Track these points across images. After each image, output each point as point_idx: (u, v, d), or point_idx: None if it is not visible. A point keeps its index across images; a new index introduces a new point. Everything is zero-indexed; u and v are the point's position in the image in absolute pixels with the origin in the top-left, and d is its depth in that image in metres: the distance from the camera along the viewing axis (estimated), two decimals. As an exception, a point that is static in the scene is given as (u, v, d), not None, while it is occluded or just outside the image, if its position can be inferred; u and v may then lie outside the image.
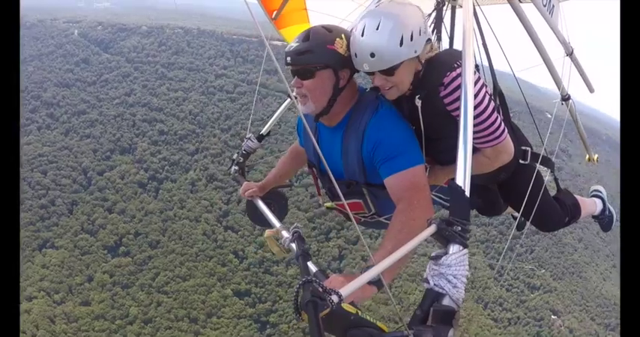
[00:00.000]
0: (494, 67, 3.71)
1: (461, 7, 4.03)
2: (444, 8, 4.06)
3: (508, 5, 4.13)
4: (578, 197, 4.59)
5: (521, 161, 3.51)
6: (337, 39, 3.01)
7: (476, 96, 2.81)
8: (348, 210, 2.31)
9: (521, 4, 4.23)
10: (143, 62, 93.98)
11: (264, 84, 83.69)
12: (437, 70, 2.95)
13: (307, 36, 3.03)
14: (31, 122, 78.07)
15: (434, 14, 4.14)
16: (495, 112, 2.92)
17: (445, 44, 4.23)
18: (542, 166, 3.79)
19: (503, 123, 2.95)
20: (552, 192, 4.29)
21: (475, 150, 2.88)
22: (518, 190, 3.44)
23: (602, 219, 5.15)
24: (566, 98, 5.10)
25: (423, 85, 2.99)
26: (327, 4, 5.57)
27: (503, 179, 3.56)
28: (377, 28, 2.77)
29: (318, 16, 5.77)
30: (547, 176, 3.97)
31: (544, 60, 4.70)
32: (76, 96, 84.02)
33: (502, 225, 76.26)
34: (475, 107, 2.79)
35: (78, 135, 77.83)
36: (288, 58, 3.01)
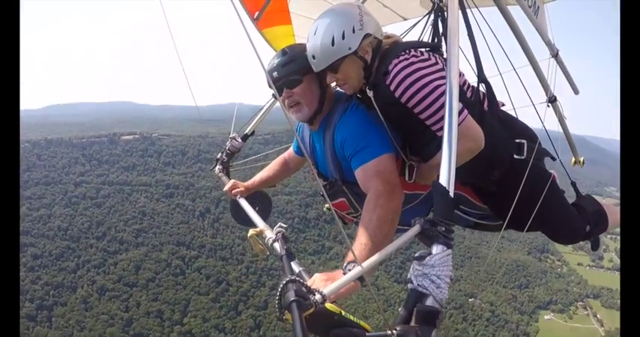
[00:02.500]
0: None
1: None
2: (440, 11, 4.05)
3: (492, 7, 4.15)
4: (606, 204, 4.14)
5: (515, 156, 3.34)
6: None
7: (419, 79, 2.91)
8: (331, 207, 2.30)
9: (507, 6, 4.24)
10: None
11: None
12: (385, 60, 3.09)
13: (284, 51, 3.40)
14: None
15: (431, 17, 4.14)
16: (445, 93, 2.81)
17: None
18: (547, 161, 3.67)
19: (462, 107, 2.87)
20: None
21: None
22: (521, 192, 3.17)
23: None
24: (552, 100, 5.11)
25: (373, 76, 3.15)
26: (308, 6, 5.57)
27: (497, 178, 3.39)
28: (314, 33, 3.10)
29: (300, 19, 5.78)
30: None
31: (530, 61, 4.71)
32: None
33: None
34: (419, 90, 2.90)
35: None
36: (275, 73, 3.30)
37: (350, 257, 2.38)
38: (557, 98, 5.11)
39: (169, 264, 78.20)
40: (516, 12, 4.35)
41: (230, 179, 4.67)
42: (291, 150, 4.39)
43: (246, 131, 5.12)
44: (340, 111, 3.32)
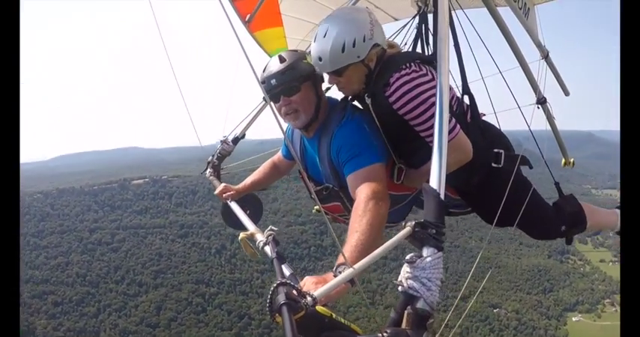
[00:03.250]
0: (466, 70, 3.72)
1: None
2: (426, 14, 4.08)
3: (482, 9, 4.17)
4: (589, 206, 4.25)
5: (494, 164, 3.48)
6: (306, 55, 3.44)
7: (419, 94, 3.02)
8: (322, 210, 2.29)
9: (497, 7, 4.26)
10: None
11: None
12: (386, 71, 3.16)
13: (281, 58, 3.38)
14: None
15: (416, 20, 4.19)
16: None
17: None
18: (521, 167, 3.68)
19: (454, 121, 3.05)
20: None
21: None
22: (498, 195, 3.33)
23: None
24: (542, 101, 5.13)
25: (373, 85, 3.22)
26: (300, 7, 5.57)
27: (477, 182, 3.52)
28: (324, 36, 3.14)
29: (291, 20, 5.77)
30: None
31: (520, 63, 4.73)
32: None
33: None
34: (418, 105, 3.02)
35: None
36: (273, 81, 3.31)
37: (340, 259, 2.38)
38: (547, 99, 5.13)
39: (190, 303, 77.87)
40: (507, 13, 4.37)
41: (221, 182, 4.67)
42: (279, 154, 4.42)
43: (237, 134, 5.11)
44: (337, 119, 3.36)
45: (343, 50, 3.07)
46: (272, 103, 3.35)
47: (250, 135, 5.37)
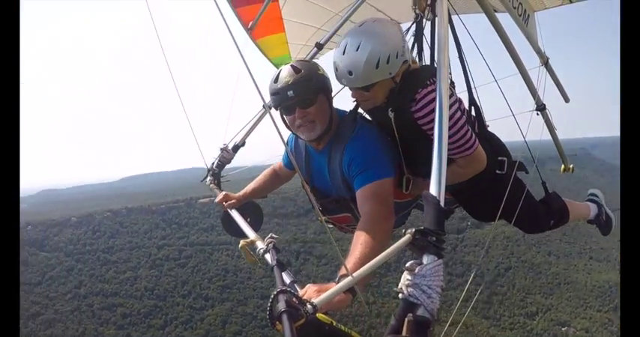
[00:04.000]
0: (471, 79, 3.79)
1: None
2: (424, 21, 4.10)
3: (483, 15, 4.17)
4: (568, 201, 4.61)
5: (497, 171, 3.62)
6: (319, 66, 3.36)
7: (449, 107, 2.97)
8: (323, 222, 2.29)
9: (496, 13, 4.26)
10: (82, 252, 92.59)
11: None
12: (411, 86, 3.14)
13: (296, 68, 3.27)
14: None
15: (413, 27, 4.23)
16: (466, 124, 3.10)
17: (427, 56, 4.30)
18: (519, 172, 3.83)
19: (474, 135, 3.15)
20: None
21: (449, 161, 3.08)
22: (499, 197, 3.44)
23: (599, 223, 5.13)
24: (541, 108, 5.13)
25: (397, 99, 3.19)
26: (301, 11, 5.57)
27: (482, 187, 3.61)
28: (357, 49, 3.04)
29: (293, 25, 5.78)
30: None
31: (519, 69, 4.73)
32: (26, 300, 79.64)
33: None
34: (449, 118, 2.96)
35: None
36: (290, 92, 3.20)
37: (342, 271, 2.38)
38: (547, 106, 5.14)
39: (255, 317, 77.85)
40: (506, 20, 4.38)
41: (221, 190, 4.66)
42: (280, 163, 4.40)
43: (237, 142, 5.09)
44: (348, 131, 3.34)
45: (377, 66, 3.03)
46: (274, 111, 3.35)
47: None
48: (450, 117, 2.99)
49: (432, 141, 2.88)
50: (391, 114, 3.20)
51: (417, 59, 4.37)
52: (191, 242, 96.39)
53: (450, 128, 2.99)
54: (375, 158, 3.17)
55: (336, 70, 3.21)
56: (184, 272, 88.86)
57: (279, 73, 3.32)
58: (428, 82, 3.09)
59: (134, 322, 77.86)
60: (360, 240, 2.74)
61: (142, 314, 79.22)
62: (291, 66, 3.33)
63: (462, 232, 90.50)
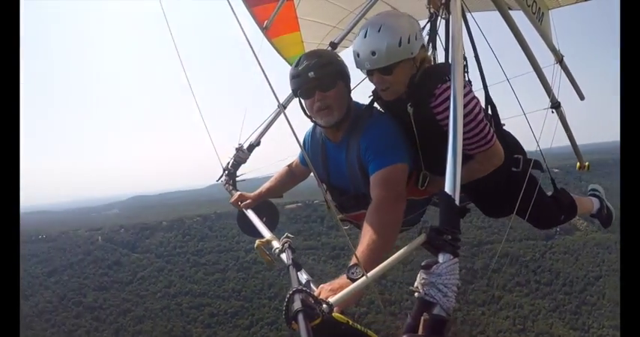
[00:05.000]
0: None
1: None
2: (438, 20, 4.10)
3: (497, 13, 4.16)
4: (574, 196, 4.67)
5: (513, 169, 3.64)
6: (339, 55, 3.48)
7: (465, 104, 2.96)
8: (336, 219, 2.30)
9: (510, 11, 4.25)
10: (173, 254, 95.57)
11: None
12: (430, 81, 3.17)
13: (317, 53, 3.43)
14: (77, 327, 77.89)
15: (428, 26, 4.23)
16: (484, 119, 3.12)
17: (440, 55, 4.30)
18: (534, 170, 3.86)
19: (492, 130, 3.16)
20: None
21: (467, 158, 3.13)
22: (514, 194, 3.47)
23: (600, 217, 5.22)
24: (556, 106, 5.11)
25: (416, 94, 3.20)
26: (316, 10, 5.57)
27: (498, 184, 3.64)
28: (378, 31, 3.12)
29: (309, 24, 5.77)
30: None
31: (534, 67, 4.71)
32: (117, 297, 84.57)
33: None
34: (466, 115, 2.95)
35: (129, 332, 77.82)
36: (311, 73, 3.23)
37: (354, 260, 2.38)
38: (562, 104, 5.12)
39: None
40: (520, 18, 4.36)
41: (237, 190, 4.66)
42: (297, 160, 4.37)
43: (252, 142, 5.08)
44: (365, 121, 3.36)
45: (400, 44, 3.08)
46: (289, 111, 3.36)
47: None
48: (470, 112, 3.02)
49: None
50: (410, 110, 3.20)
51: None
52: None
53: (469, 122, 3.02)
54: (390, 144, 3.18)
55: (357, 56, 3.25)
56: (271, 275, 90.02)
57: (300, 58, 3.35)
58: (447, 78, 3.09)
59: (221, 321, 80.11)
60: (368, 227, 2.77)
61: (228, 314, 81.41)
62: (313, 51, 3.48)
63: (550, 239, 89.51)
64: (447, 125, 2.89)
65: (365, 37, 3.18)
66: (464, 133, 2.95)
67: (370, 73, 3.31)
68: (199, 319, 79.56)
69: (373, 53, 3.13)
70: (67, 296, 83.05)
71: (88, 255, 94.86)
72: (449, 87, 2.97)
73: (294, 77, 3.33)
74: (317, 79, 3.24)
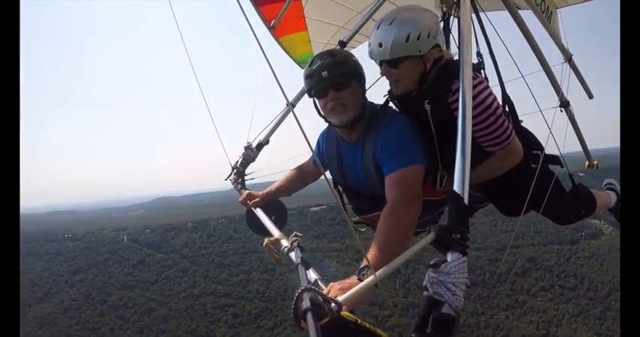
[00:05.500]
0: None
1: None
2: (451, 19, 4.10)
3: (506, 12, 4.15)
4: (594, 191, 4.70)
5: (533, 165, 3.59)
6: (353, 55, 3.43)
7: (484, 100, 3.01)
8: (348, 219, 2.30)
9: (519, 10, 4.24)
10: (197, 255, 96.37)
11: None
12: (446, 77, 3.17)
13: (332, 53, 3.39)
14: (102, 325, 78.79)
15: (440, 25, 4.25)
16: (502, 114, 3.10)
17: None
18: (553, 166, 3.92)
19: (510, 126, 3.15)
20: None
21: (486, 155, 3.20)
22: (534, 190, 3.45)
23: (617, 211, 5.16)
24: (565, 104, 5.09)
25: (433, 90, 3.20)
26: (324, 10, 5.56)
27: (518, 180, 3.58)
28: (390, 23, 3.13)
29: (316, 24, 5.77)
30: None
31: (543, 66, 4.70)
32: (142, 296, 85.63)
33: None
34: (484, 111, 3.01)
35: (153, 331, 78.48)
36: (324, 73, 3.22)
37: (365, 262, 2.38)
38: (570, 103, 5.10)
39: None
40: (529, 16, 4.36)
41: (246, 189, 4.67)
42: (309, 161, 4.34)
43: (261, 140, 5.06)
44: (381, 121, 3.32)
45: (407, 40, 3.07)
46: (297, 109, 3.37)
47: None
48: (488, 107, 3.02)
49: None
50: (428, 107, 3.19)
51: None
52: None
53: (488, 118, 3.03)
54: (406, 145, 3.15)
55: (369, 46, 3.28)
56: (295, 277, 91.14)
57: (314, 58, 3.37)
58: None
59: (244, 322, 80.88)
60: (382, 229, 2.75)
61: (252, 315, 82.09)
62: (328, 51, 3.44)
63: (575, 243, 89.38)
64: None
65: (378, 28, 3.21)
66: (483, 130, 3.04)
67: (380, 64, 3.31)
68: (223, 319, 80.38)
69: (380, 45, 3.16)
70: (91, 295, 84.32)
71: (113, 255, 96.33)
72: None
73: (307, 77, 3.32)
74: (330, 78, 3.22)
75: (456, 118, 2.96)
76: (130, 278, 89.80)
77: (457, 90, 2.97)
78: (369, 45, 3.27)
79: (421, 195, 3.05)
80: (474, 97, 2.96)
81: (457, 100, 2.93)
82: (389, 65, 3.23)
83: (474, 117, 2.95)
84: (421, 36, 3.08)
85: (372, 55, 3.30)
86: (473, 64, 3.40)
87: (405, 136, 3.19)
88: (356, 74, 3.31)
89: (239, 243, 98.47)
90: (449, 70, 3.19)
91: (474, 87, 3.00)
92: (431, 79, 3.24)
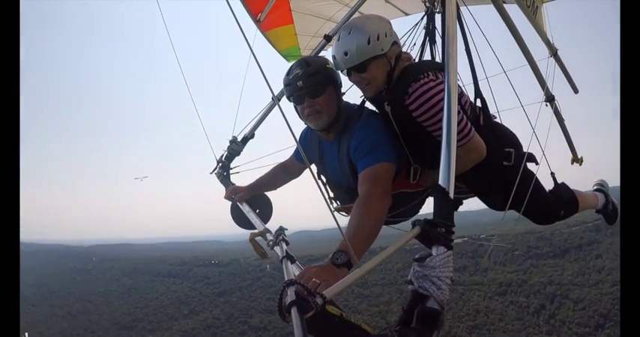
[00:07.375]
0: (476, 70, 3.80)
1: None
2: (434, 14, 4.15)
3: (491, 6, 4.16)
4: (577, 191, 4.65)
5: (504, 163, 3.62)
6: (328, 61, 3.56)
7: (439, 102, 3.04)
8: (332, 210, 2.31)
9: (504, 4, 4.25)
10: None
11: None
12: (405, 80, 3.28)
13: (307, 62, 3.52)
14: None
15: (424, 20, 4.30)
16: (461, 114, 3.14)
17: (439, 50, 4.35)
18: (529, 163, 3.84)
19: (469, 125, 3.18)
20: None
21: None
22: (508, 188, 3.53)
23: (605, 213, 5.14)
24: (550, 99, 5.12)
25: (392, 93, 3.33)
26: (310, 4, 5.56)
27: (489, 179, 3.67)
28: (349, 33, 3.31)
29: (302, 17, 5.76)
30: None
31: (528, 60, 4.72)
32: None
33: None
34: (437, 114, 3.06)
35: None
36: (299, 83, 3.38)
37: (339, 246, 2.48)
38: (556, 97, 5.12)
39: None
40: (515, 11, 4.37)
41: (231, 182, 4.72)
42: (292, 157, 4.43)
43: (246, 134, 5.06)
44: (356, 120, 3.50)
45: (369, 42, 3.21)
46: (285, 104, 3.42)
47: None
48: (442, 110, 2.99)
49: (428, 133, 3.16)
50: (388, 108, 3.34)
51: (428, 51, 4.55)
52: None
53: (440, 121, 2.98)
54: (378, 143, 3.30)
55: (334, 58, 3.40)
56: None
57: (291, 67, 3.48)
58: (421, 76, 3.20)
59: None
60: (354, 219, 2.84)
61: None
62: (303, 60, 3.56)
63: None
64: (423, 121, 3.14)
65: (338, 40, 3.38)
66: (440, 130, 3.00)
67: (349, 74, 3.43)
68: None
69: (345, 53, 3.29)
70: (234, 315, 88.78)
71: (257, 281, 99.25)
72: (421, 85, 3.14)
73: (285, 85, 3.48)
74: (305, 87, 3.39)
75: (414, 119, 3.20)
76: (271, 304, 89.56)
77: (413, 92, 3.16)
78: (334, 58, 3.41)
79: (390, 189, 3.19)
80: (431, 98, 3.09)
81: (413, 103, 3.16)
82: (358, 70, 3.35)
83: (430, 118, 3.13)
84: (380, 36, 3.24)
85: (338, 66, 3.43)
86: (440, 63, 3.49)
87: (376, 136, 3.35)
88: (330, 80, 3.46)
89: (379, 274, 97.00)
90: (408, 72, 3.32)
91: (432, 88, 3.12)
92: (394, 81, 3.36)
